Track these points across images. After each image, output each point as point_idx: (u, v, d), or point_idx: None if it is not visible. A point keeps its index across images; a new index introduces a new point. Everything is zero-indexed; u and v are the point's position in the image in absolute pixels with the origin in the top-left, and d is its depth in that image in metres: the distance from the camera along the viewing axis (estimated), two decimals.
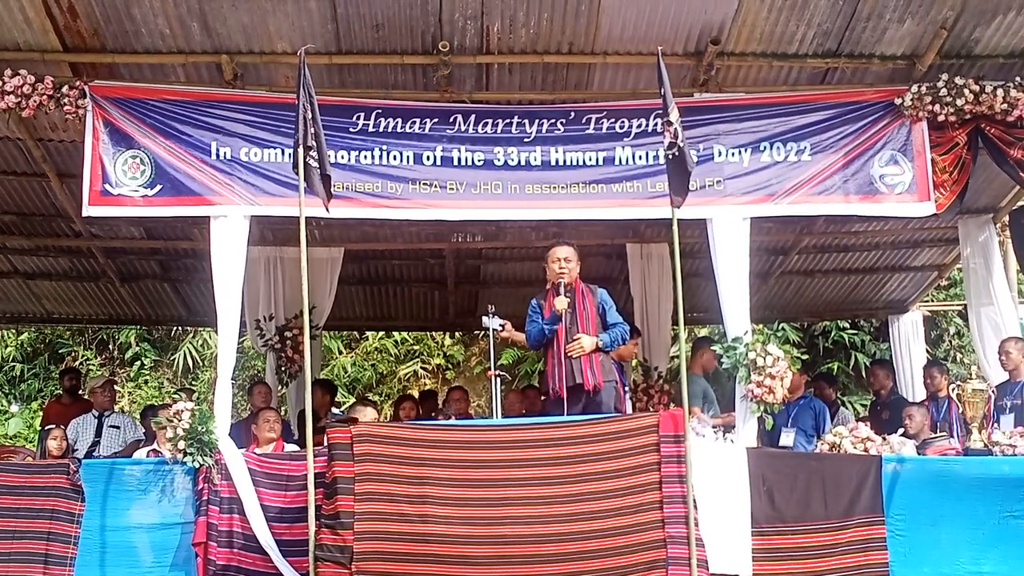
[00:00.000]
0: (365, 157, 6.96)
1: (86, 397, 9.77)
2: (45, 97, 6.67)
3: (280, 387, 9.34)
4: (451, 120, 7.03)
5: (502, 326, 6.85)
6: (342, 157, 6.87)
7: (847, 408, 11.55)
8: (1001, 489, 6.39)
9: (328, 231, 9.13)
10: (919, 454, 6.82)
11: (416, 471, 6.09)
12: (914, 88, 7.02)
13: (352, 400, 15.76)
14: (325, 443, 6.22)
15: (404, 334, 17.34)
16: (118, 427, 8.97)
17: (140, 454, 7.23)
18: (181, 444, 6.32)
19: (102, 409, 9.08)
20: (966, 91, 6.96)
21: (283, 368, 9.14)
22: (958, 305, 13.02)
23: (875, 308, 11.81)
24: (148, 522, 6.38)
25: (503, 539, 5.95)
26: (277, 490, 6.37)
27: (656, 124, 6.87)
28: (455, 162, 6.99)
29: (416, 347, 18.04)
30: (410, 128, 7.00)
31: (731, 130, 7.09)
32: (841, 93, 7.22)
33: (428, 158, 6.98)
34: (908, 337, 10.95)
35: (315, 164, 6.03)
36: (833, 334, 15.05)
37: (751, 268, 6.99)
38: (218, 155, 6.86)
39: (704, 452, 6.35)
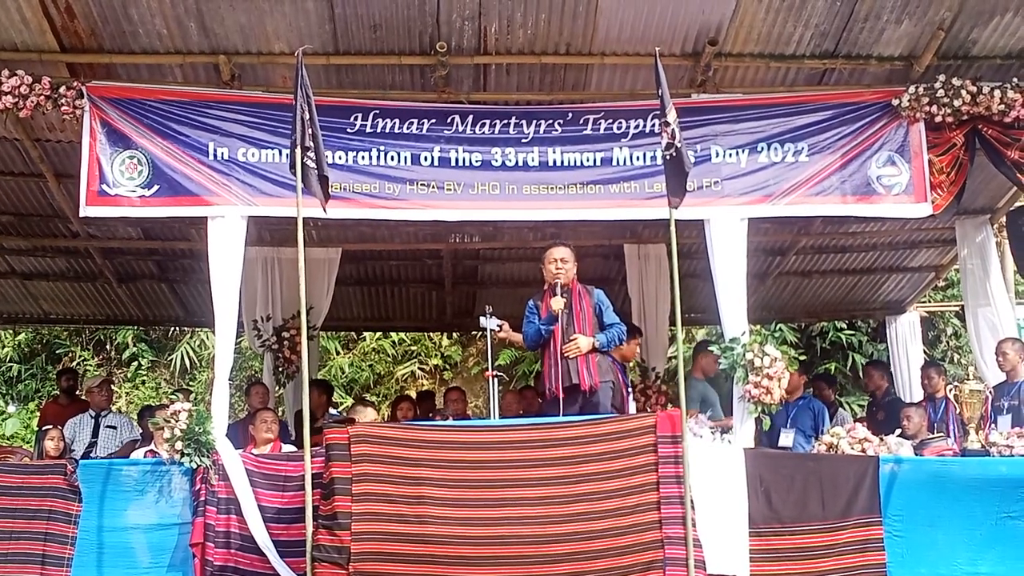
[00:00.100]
0: (363, 158, 6.95)
1: (83, 398, 9.76)
2: (42, 97, 6.65)
3: (277, 388, 9.33)
4: (449, 121, 7.02)
5: (500, 327, 6.85)
6: (339, 158, 6.85)
7: (845, 409, 11.56)
8: (998, 490, 6.40)
9: (325, 231, 9.12)
10: (916, 455, 6.83)
11: (413, 472, 6.10)
12: (911, 89, 7.02)
13: (349, 401, 15.78)
14: (323, 443, 6.23)
15: (402, 335, 17.33)
16: (115, 427, 8.96)
17: (137, 455, 7.23)
18: (178, 445, 6.31)
19: (99, 409, 9.08)
20: (963, 92, 6.96)
21: (280, 369, 9.13)
22: (955, 306, 13.03)
23: (872, 309, 11.82)
24: (145, 523, 6.37)
25: (501, 540, 5.96)
26: (274, 491, 6.36)
27: (654, 125, 6.87)
28: (453, 163, 6.98)
29: (414, 348, 18.03)
30: (408, 129, 7.00)
31: (729, 131, 7.08)
32: (838, 94, 7.22)
33: (426, 159, 6.98)
34: (905, 338, 10.97)
35: (312, 165, 6.04)
36: (830, 335, 15.07)
37: (749, 269, 6.99)
38: (215, 155, 6.85)
39: (702, 453, 6.36)
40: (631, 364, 8.75)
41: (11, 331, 16.37)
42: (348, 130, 6.94)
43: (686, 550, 5.95)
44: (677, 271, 6.24)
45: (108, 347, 18.21)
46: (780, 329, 14.03)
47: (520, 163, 7.01)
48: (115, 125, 6.78)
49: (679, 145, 6.05)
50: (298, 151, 5.95)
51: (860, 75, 7.27)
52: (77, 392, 10.30)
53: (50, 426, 8.26)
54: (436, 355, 18.10)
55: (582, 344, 6.55)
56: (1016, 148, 7.14)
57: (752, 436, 6.79)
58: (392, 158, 6.96)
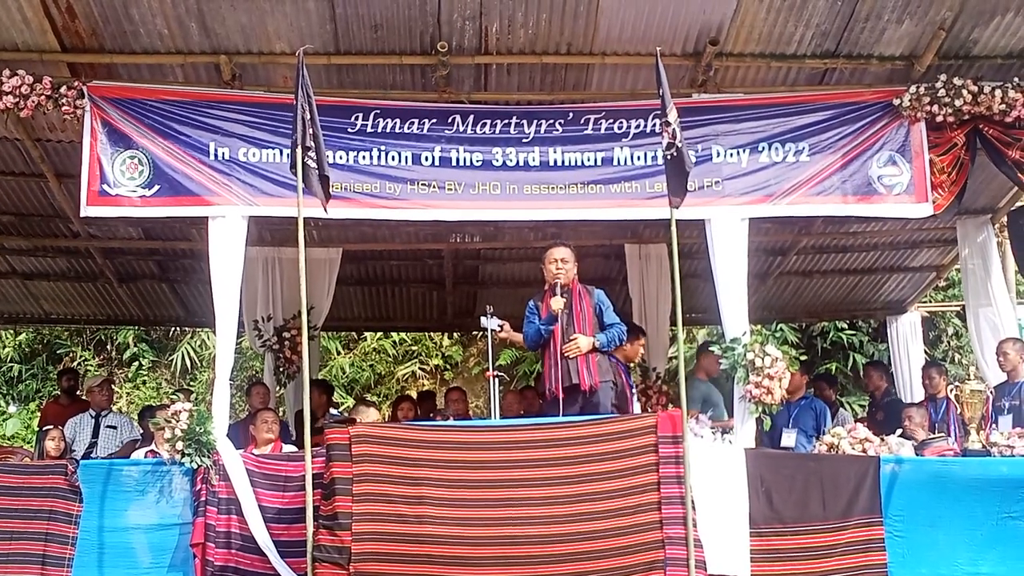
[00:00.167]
0: (363, 157, 6.95)
1: (84, 398, 9.76)
2: (43, 97, 6.65)
3: (278, 388, 9.34)
4: (449, 120, 7.02)
5: (500, 327, 6.86)
6: (340, 157, 6.86)
7: (846, 409, 11.56)
8: (999, 490, 6.40)
9: (326, 231, 9.12)
10: (917, 455, 6.82)
11: (414, 472, 6.09)
12: (912, 89, 7.01)
13: (350, 401, 15.77)
14: (323, 444, 6.22)
15: (402, 335, 17.33)
16: (115, 427, 8.97)
17: (138, 455, 7.22)
18: (179, 445, 6.31)
19: (99, 409, 9.08)
20: (964, 92, 6.95)
21: (281, 369, 9.13)
22: (956, 306, 13.03)
23: (873, 309, 11.82)
24: (146, 523, 6.37)
25: (502, 540, 5.96)
26: (275, 491, 6.36)
27: (655, 125, 6.86)
28: (453, 162, 6.98)
29: (414, 348, 18.03)
30: (408, 128, 7.00)
31: (729, 131, 7.08)
32: (839, 94, 7.22)
33: (426, 158, 6.98)
34: (906, 338, 10.96)
35: (313, 164, 6.04)
36: (831, 335, 15.07)
37: (749, 269, 6.98)
38: (216, 155, 6.85)
39: (702, 453, 6.36)
40: (631, 364, 8.74)
41: (12, 331, 16.38)
42: (349, 130, 6.94)
43: (687, 550, 5.95)
44: (678, 271, 6.24)
45: (109, 347, 18.22)
46: (781, 329, 14.02)
47: (521, 163, 7.01)
48: (116, 125, 6.78)
49: (680, 145, 6.05)
50: (299, 151, 5.95)
51: (861, 75, 7.27)
52: (78, 392, 10.31)
53: (51, 426, 8.28)
54: (437, 355, 18.10)
55: (582, 344, 6.55)
56: (1017, 148, 7.14)
57: (753, 436, 6.79)
58: (393, 158, 6.96)
